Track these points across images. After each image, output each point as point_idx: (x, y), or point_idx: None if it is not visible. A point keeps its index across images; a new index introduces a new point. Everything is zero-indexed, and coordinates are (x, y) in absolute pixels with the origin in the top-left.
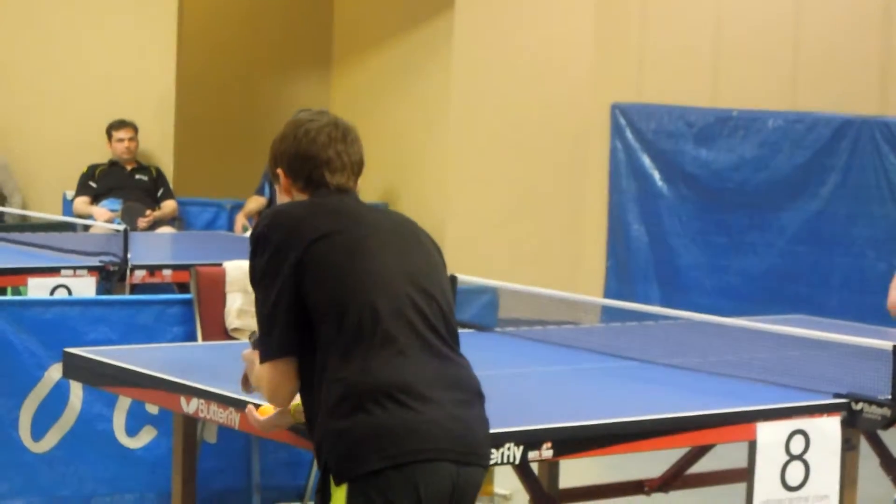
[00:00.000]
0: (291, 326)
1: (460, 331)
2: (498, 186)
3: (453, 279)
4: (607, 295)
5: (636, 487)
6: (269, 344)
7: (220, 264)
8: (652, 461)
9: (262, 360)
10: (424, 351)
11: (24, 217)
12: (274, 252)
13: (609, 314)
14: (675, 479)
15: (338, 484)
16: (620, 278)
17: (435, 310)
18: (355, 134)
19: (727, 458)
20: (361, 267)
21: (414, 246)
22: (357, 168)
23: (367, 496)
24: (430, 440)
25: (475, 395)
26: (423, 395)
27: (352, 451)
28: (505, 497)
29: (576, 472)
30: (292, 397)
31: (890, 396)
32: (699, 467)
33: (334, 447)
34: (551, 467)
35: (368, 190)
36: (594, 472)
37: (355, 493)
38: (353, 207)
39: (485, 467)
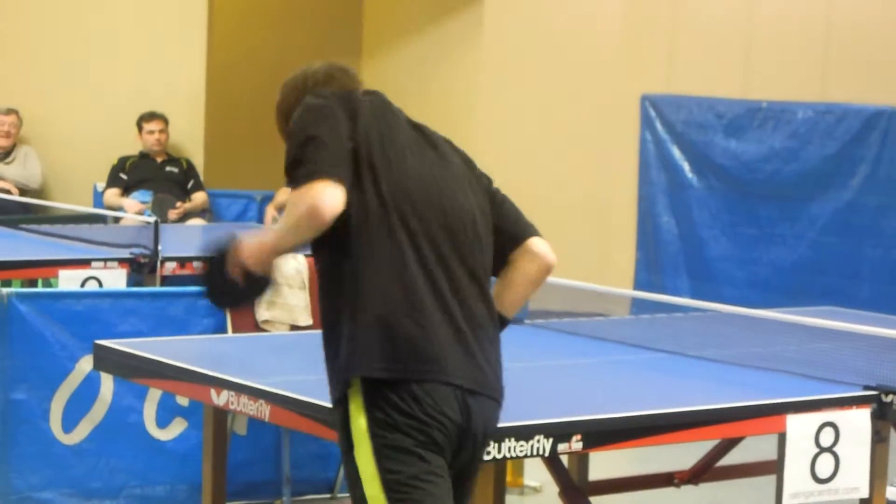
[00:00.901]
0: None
1: None
2: (527, 178)
3: None
4: (637, 287)
5: (666, 479)
6: (320, 163)
7: None
8: (681, 453)
9: (312, 178)
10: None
11: (53, 209)
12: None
13: (638, 306)
14: (704, 471)
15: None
16: (650, 270)
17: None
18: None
19: (756, 451)
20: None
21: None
22: None
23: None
24: (439, 361)
25: (490, 331)
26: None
27: (366, 352)
28: (535, 489)
29: (605, 464)
30: (333, 217)
31: None
32: (728, 459)
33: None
34: (581, 459)
35: None
36: (623, 465)
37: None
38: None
39: (497, 402)
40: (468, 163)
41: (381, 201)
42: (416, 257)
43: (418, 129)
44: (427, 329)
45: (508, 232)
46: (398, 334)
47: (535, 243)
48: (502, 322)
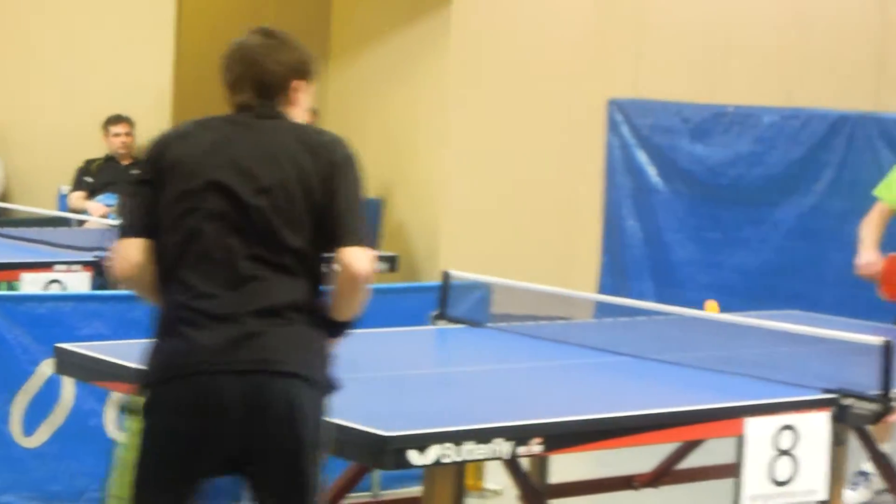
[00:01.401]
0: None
1: (452, 326)
2: (493, 182)
3: (446, 276)
4: (602, 291)
5: (626, 482)
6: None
7: None
8: (642, 456)
9: None
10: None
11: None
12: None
13: (603, 310)
14: (664, 474)
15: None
16: (615, 274)
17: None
18: (271, 47)
19: (717, 454)
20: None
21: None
22: (261, 85)
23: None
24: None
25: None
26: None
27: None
28: (495, 492)
29: (566, 467)
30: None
31: (879, 392)
32: (689, 462)
33: None
34: (541, 462)
35: (365, 185)
36: (584, 468)
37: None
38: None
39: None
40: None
41: None
42: None
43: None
44: None
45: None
46: None
47: (344, 253)
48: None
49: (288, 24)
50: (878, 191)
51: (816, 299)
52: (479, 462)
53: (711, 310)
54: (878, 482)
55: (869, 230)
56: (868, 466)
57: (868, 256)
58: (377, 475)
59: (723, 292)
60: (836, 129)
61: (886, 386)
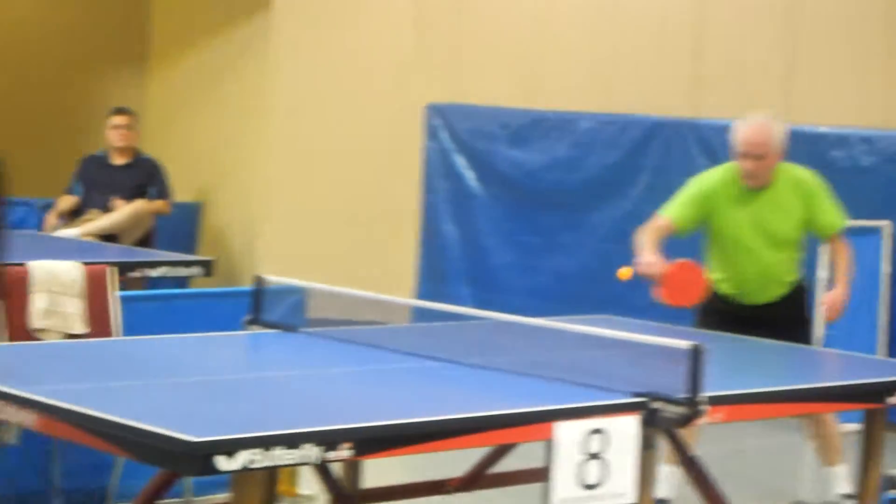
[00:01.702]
0: None
1: (266, 331)
2: (313, 187)
3: (258, 280)
4: (419, 295)
5: (438, 487)
6: None
7: (24, 264)
8: (458, 461)
9: None
10: None
11: None
12: None
13: (420, 315)
14: (477, 478)
15: None
16: (432, 278)
17: None
18: None
19: (531, 458)
20: None
21: None
22: None
23: None
24: None
25: None
26: None
27: None
28: (309, 498)
29: (380, 472)
30: None
31: (687, 395)
32: (503, 467)
33: None
34: (354, 467)
35: (183, 189)
36: (399, 473)
37: None
38: None
39: None
40: None
41: None
42: None
43: None
44: None
45: None
46: None
47: None
48: None
49: (105, 28)
50: (665, 212)
51: (633, 303)
52: (292, 467)
53: (625, 275)
54: None
55: (646, 237)
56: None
57: (649, 257)
58: (189, 481)
59: (540, 296)
60: (652, 135)
61: (694, 389)
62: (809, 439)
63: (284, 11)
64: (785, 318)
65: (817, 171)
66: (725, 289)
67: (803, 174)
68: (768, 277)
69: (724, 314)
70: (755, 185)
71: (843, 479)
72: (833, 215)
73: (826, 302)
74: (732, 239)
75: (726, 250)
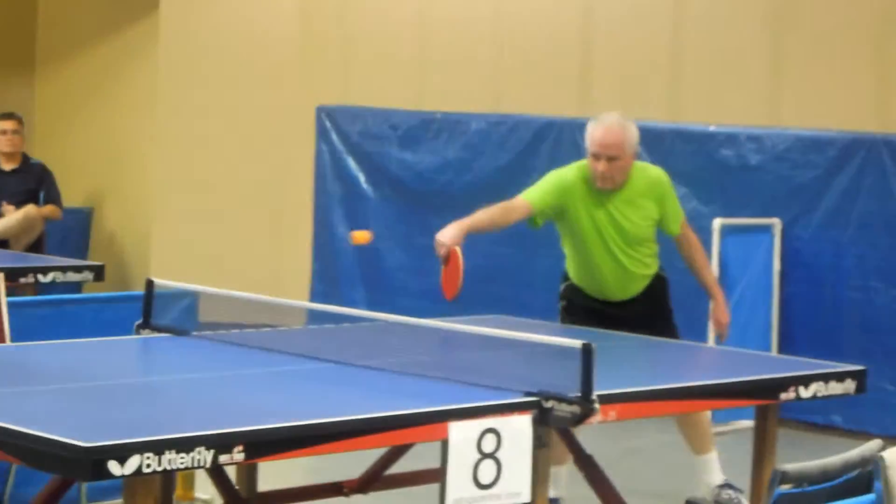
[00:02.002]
0: None
1: (157, 335)
2: (204, 190)
3: (149, 284)
4: (313, 298)
5: (335, 489)
6: None
7: None
8: (358, 462)
9: None
10: None
11: None
12: None
13: (315, 317)
14: (373, 480)
15: None
16: (326, 281)
17: None
18: None
19: (430, 459)
20: None
21: None
22: None
23: None
24: None
25: None
26: None
27: None
28: (205, 502)
29: (278, 475)
30: None
31: (580, 394)
32: (400, 468)
33: None
34: (249, 470)
35: (74, 194)
36: (297, 475)
37: None
38: None
39: None
40: None
41: None
42: None
43: None
44: None
45: None
46: None
47: None
48: None
49: None
50: (526, 195)
51: (526, 304)
52: (187, 471)
53: (360, 238)
54: None
55: (481, 214)
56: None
57: (448, 235)
58: (84, 487)
59: (434, 298)
60: (542, 135)
61: (587, 388)
62: (679, 428)
63: (172, 13)
64: (647, 313)
65: (707, 169)
66: (587, 289)
67: (656, 173)
68: (626, 276)
69: (588, 311)
70: (607, 188)
71: (716, 467)
72: (676, 209)
73: (714, 321)
74: (586, 239)
75: (582, 251)
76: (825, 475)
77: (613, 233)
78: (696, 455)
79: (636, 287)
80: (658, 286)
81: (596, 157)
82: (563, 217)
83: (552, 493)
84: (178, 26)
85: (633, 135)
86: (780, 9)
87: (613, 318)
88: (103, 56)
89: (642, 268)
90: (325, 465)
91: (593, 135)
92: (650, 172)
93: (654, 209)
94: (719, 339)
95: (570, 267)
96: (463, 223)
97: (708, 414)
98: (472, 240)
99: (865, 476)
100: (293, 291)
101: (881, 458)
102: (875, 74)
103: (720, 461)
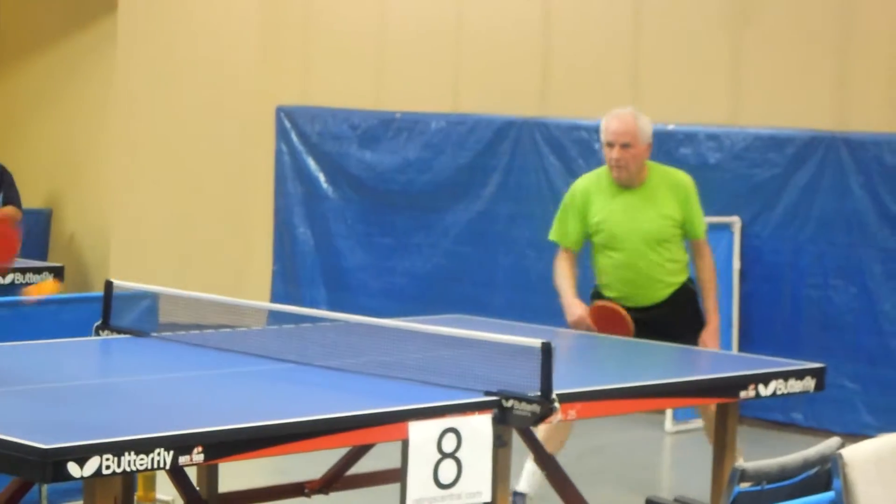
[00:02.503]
0: None
1: (117, 337)
2: (164, 191)
3: (108, 285)
4: (274, 298)
5: (297, 489)
6: None
7: None
8: (320, 463)
9: None
10: None
11: None
12: None
13: (276, 318)
14: (334, 480)
15: None
16: (287, 281)
17: None
18: None
19: (392, 458)
20: None
21: None
22: None
23: None
24: None
25: None
26: None
27: None
28: (167, 503)
29: (242, 475)
30: None
31: (539, 393)
32: (362, 468)
33: None
34: (210, 471)
35: (33, 196)
36: (260, 476)
37: None
38: None
39: None
40: None
41: None
42: None
43: None
44: None
45: None
46: None
47: None
48: None
49: None
50: (552, 236)
51: (487, 303)
52: (148, 472)
53: (47, 290)
54: None
55: (562, 281)
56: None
57: (575, 312)
58: (45, 488)
59: (395, 297)
60: (502, 135)
61: (546, 387)
62: (702, 419)
63: (130, 14)
64: (674, 321)
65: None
66: (609, 294)
67: (681, 176)
68: (648, 278)
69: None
70: (624, 178)
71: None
72: (701, 218)
73: (701, 344)
74: (606, 237)
75: (604, 251)
76: (784, 473)
77: (632, 229)
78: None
79: (659, 292)
80: (683, 295)
81: (610, 145)
82: (586, 225)
83: (522, 488)
84: (137, 27)
85: (646, 125)
86: (739, 8)
87: (637, 323)
88: (62, 57)
89: (664, 273)
90: (288, 466)
91: (607, 125)
92: (674, 174)
93: (677, 210)
94: None
95: (597, 275)
96: (567, 294)
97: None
98: (432, 240)
99: (824, 474)
100: (254, 292)
101: (840, 456)
102: (833, 73)
103: (681, 461)
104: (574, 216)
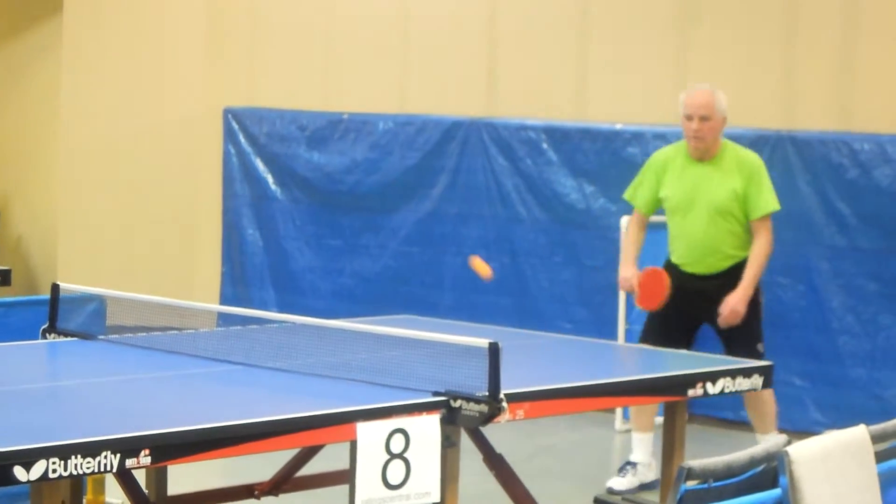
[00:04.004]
0: None
1: (64, 340)
2: (111, 194)
3: (55, 288)
4: (223, 300)
5: (247, 491)
6: None
7: None
8: (269, 464)
9: None
10: None
11: None
12: None
13: (225, 319)
14: (284, 481)
15: None
16: (236, 283)
17: None
18: None
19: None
20: None
21: None
22: None
23: None
24: None
25: None
26: None
27: None
28: None
29: (191, 477)
30: None
31: (487, 393)
32: (312, 469)
33: None
34: (158, 474)
35: None
36: (209, 478)
37: None
38: None
39: None
40: None
41: None
42: None
43: None
44: None
45: None
46: None
47: None
48: None
49: None
50: (626, 194)
51: (435, 303)
52: (97, 475)
53: (479, 267)
54: (645, 472)
55: (627, 243)
56: (636, 456)
57: (626, 272)
58: None
59: (344, 298)
60: (449, 135)
61: (494, 387)
62: (746, 408)
63: (75, 14)
64: (726, 291)
65: (613, 167)
66: (675, 259)
67: (751, 155)
68: (708, 245)
69: (676, 288)
70: (701, 149)
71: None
72: (765, 199)
73: (725, 306)
74: (675, 204)
75: (672, 218)
76: (730, 471)
77: (698, 198)
78: (758, 435)
79: (719, 262)
80: (742, 270)
81: (689, 118)
82: (660, 190)
83: (635, 458)
84: (83, 27)
85: (722, 100)
86: (685, 7)
87: (697, 291)
88: (7, 57)
89: (725, 245)
90: (237, 468)
91: (687, 99)
92: (745, 153)
93: (739, 184)
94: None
95: (671, 244)
96: (623, 255)
97: (768, 396)
98: (381, 241)
99: (771, 471)
100: (203, 294)
101: (786, 454)
102: (780, 71)
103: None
104: (648, 181)
